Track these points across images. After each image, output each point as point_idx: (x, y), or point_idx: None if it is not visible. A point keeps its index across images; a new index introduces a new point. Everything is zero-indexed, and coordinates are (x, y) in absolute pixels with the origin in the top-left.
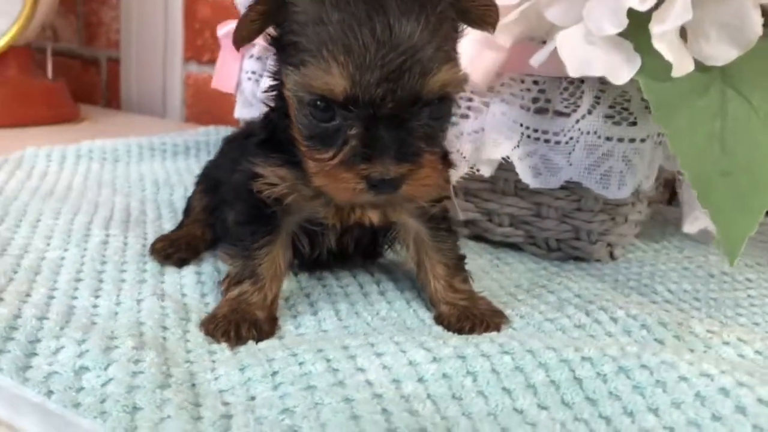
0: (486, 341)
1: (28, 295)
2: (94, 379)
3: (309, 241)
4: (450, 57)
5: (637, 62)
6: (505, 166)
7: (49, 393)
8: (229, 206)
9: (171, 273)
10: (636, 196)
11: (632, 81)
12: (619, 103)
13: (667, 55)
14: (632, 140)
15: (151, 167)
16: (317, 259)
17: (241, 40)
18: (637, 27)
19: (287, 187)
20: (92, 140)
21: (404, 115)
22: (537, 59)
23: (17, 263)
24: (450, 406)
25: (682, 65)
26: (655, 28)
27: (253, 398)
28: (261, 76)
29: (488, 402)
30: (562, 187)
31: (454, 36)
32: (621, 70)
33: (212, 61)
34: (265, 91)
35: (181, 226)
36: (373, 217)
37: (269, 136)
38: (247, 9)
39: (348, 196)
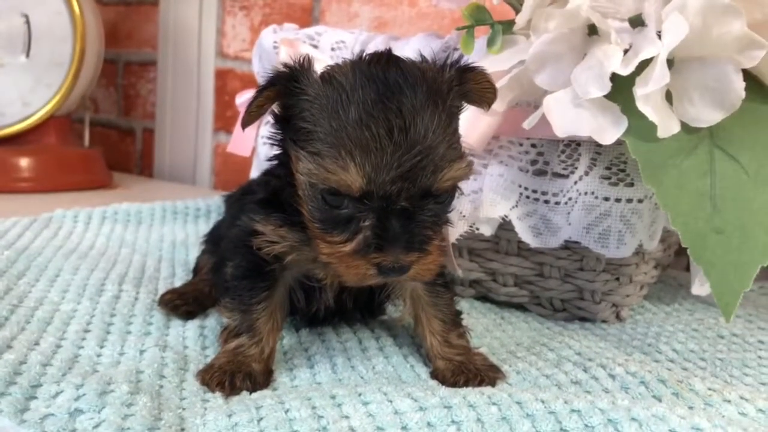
0: (475, 393)
1: (36, 343)
2: (87, 421)
3: (306, 296)
4: (459, 153)
5: (624, 123)
6: (507, 227)
7: None
8: (228, 261)
9: (175, 326)
10: (641, 257)
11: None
12: (615, 165)
13: (652, 117)
14: (629, 200)
15: (173, 229)
16: (315, 314)
17: (248, 123)
18: (623, 90)
19: (287, 246)
20: (119, 203)
21: (414, 209)
22: (529, 122)
23: (31, 315)
24: None
25: (667, 126)
26: (639, 91)
27: None
28: None
29: None
30: (565, 247)
31: (458, 122)
32: (608, 131)
33: None
34: (269, 159)
35: (189, 283)
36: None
37: (269, 195)
38: (256, 92)
39: (358, 280)
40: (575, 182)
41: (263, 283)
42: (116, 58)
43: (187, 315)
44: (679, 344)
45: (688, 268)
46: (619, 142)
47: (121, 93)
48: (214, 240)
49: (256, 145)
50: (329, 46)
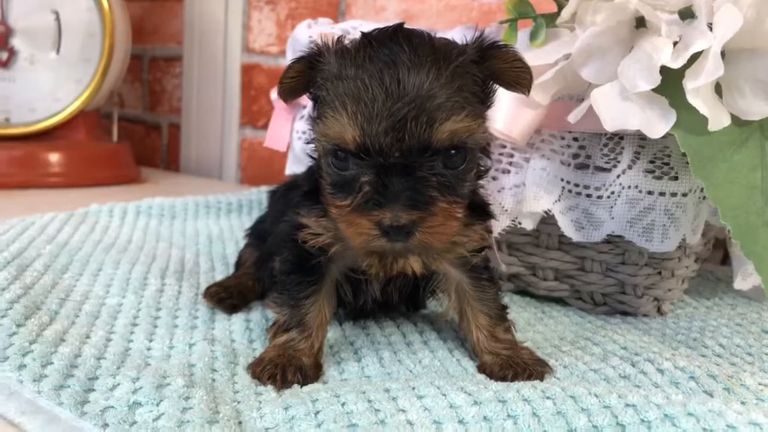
0: (528, 387)
1: (87, 337)
2: (146, 414)
3: (353, 289)
4: (462, 107)
5: (673, 117)
6: (547, 220)
7: (105, 426)
8: (275, 256)
9: (221, 320)
10: (683, 251)
11: (672, 136)
12: (659, 158)
13: (703, 110)
14: (674, 194)
15: (206, 223)
16: (362, 307)
17: (283, 93)
18: (671, 83)
19: (331, 237)
20: (152, 198)
21: (414, 164)
22: (574, 116)
23: (79, 308)
24: None
25: (717, 119)
26: (689, 84)
27: None
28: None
29: None
30: (606, 241)
31: (474, 90)
32: (657, 124)
33: (267, 126)
34: (308, 142)
35: (232, 276)
36: (416, 266)
37: (313, 187)
38: (288, 66)
39: (363, 242)
40: (618, 176)
41: (311, 277)
42: (142, 54)
43: (232, 308)
44: (724, 339)
45: (723, 262)
46: (663, 136)
47: (147, 88)
48: (256, 234)
49: (291, 140)
50: None
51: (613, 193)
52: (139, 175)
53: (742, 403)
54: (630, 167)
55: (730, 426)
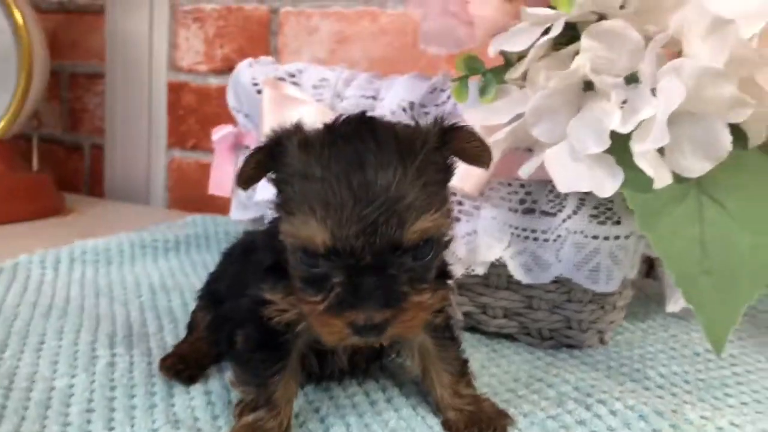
0: None
1: None
2: None
3: (319, 361)
4: (430, 203)
5: (620, 176)
6: (496, 263)
7: None
8: (236, 328)
9: (180, 393)
10: (623, 285)
11: None
12: (603, 204)
13: (649, 171)
14: (617, 237)
15: (145, 268)
16: (330, 376)
17: (242, 183)
18: (616, 142)
19: (297, 313)
20: (84, 240)
21: (385, 264)
22: (525, 171)
23: (27, 397)
24: None
25: (661, 178)
26: (636, 148)
27: None
28: None
29: None
30: (553, 281)
31: (438, 178)
32: (606, 184)
33: (195, 147)
34: (270, 222)
35: (185, 341)
36: (384, 340)
37: (275, 262)
38: (247, 156)
39: (336, 340)
40: (563, 220)
41: (276, 353)
42: (60, 70)
43: (190, 380)
44: (663, 367)
45: (648, 275)
46: None
47: (67, 107)
48: (208, 296)
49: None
50: (311, 84)
51: (559, 236)
52: (64, 205)
53: None
54: (575, 212)
55: None
